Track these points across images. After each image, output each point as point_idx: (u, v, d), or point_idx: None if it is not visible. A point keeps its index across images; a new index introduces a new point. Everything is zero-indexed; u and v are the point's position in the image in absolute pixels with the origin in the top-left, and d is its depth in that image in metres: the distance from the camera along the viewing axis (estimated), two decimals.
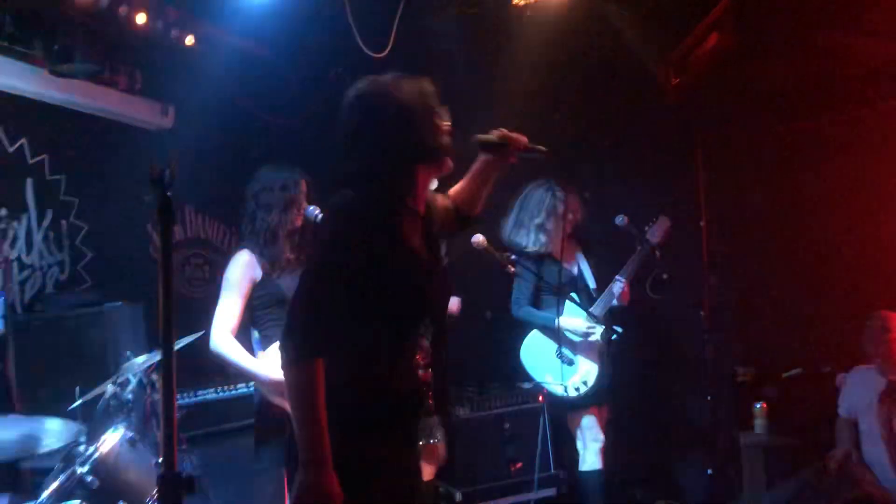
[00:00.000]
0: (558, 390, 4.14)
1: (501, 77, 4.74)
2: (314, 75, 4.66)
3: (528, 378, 4.33)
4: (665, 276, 4.20)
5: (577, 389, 4.10)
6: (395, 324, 2.02)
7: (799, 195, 4.88)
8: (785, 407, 4.58)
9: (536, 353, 4.26)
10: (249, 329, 3.40)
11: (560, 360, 4.14)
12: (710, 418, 4.62)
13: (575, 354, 4.17)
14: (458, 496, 4.28)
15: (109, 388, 2.97)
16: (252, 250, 3.31)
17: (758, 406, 4.57)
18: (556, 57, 4.55)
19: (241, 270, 3.28)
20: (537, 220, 4.25)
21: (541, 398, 4.61)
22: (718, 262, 4.99)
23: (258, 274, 3.26)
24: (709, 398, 4.56)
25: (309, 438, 1.84)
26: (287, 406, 1.96)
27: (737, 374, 4.76)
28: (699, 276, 4.96)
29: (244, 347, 3.21)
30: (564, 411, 4.30)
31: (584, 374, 4.12)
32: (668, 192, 5.09)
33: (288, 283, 3.22)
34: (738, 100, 4.89)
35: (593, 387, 4.11)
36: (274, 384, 3.08)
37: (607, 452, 4.23)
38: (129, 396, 3.06)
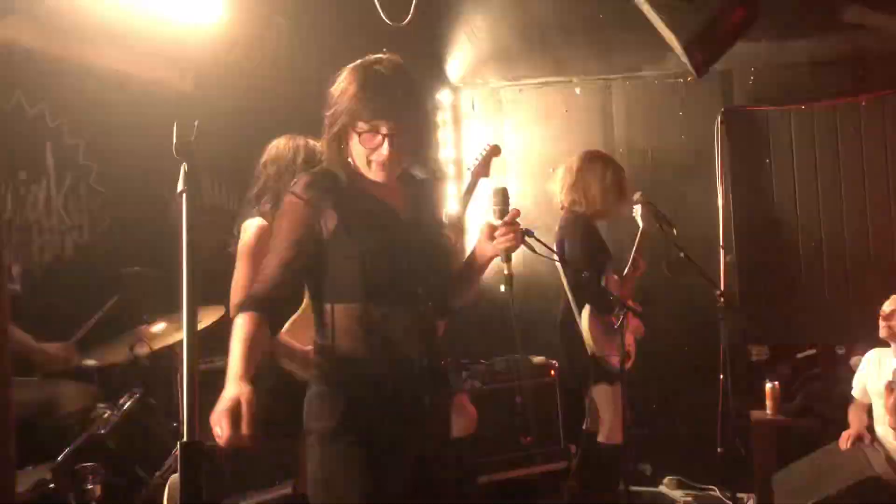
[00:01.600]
0: (615, 364, 4.04)
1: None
2: (332, 46, 4.63)
3: (580, 351, 4.14)
4: (681, 255, 4.20)
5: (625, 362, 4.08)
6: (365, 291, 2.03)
7: (818, 175, 4.88)
8: (798, 387, 4.58)
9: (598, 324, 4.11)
10: None
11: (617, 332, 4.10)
12: (722, 396, 4.62)
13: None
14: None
15: (127, 353, 3.00)
16: (266, 218, 3.26)
17: (770, 385, 4.57)
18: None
19: (257, 238, 3.23)
20: None
21: (552, 372, 4.64)
22: (734, 240, 4.99)
23: None
24: (721, 376, 4.56)
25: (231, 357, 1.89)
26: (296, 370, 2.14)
27: (750, 353, 4.75)
28: (715, 255, 4.96)
29: None
30: (587, 383, 4.22)
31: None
32: (686, 172, 5.11)
33: None
34: (758, 77, 4.89)
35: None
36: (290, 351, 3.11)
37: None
38: (147, 362, 3.09)
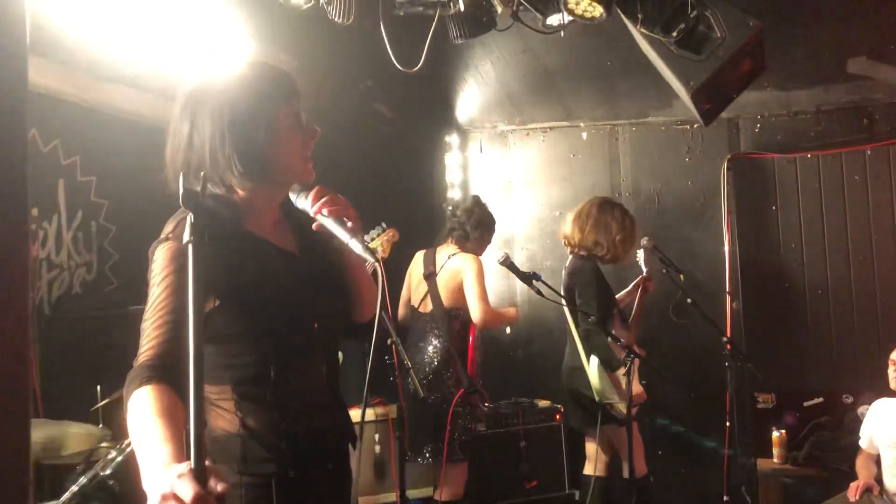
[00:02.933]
0: (622, 408, 4.05)
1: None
2: (343, 88, 4.70)
3: (588, 394, 4.16)
4: (688, 301, 4.20)
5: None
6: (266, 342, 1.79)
7: (824, 222, 4.91)
8: (805, 435, 4.54)
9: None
10: None
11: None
12: (728, 444, 4.59)
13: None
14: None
15: None
16: None
17: (777, 434, 4.54)
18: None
19: None
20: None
21: (558, 417, 4.61)
22: (740, 287, 5.00)
23: None
24: (728, 423, 4.54)
25: (143, 448, 1.48)
26: None
27: (757, 401, 4.73)
28: (722, 301, 4.97)
29: None
30: (590, 429, 4.26)
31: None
32: (692, 217, 5.15)
33: None
34: (764, 124, 4.94)
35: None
36: None
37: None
38: None
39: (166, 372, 1.61)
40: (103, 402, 3.06)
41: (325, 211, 1.81)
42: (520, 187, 5.68)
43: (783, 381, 4.84)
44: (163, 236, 1.82)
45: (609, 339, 3.89)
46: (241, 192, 1.86)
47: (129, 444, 2.82)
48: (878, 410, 4.08)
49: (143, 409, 1.54)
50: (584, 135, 5.51)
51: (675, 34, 3.11)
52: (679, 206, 5.28)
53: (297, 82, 1.89)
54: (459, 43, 3.69)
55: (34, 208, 3.82)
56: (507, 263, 3.75)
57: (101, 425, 2.98)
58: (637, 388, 4.01)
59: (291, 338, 1.82)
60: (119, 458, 2.78)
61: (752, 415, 4.76)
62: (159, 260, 1.78)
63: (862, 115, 4.90)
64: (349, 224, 1.79)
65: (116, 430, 2.97)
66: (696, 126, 5.17)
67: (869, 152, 4.86)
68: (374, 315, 1.89)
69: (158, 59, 3.87)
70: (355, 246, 1.75)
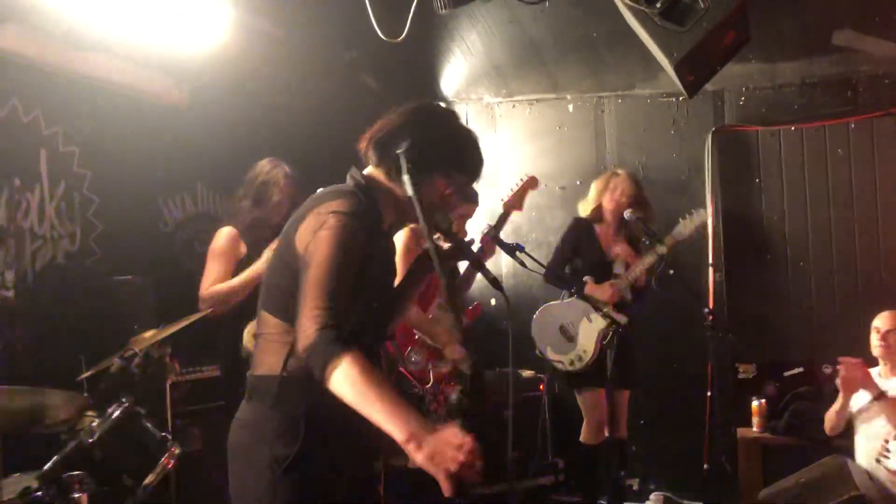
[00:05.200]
0: (558, 363, 4.36)
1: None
2: (328, 58, 4.67)
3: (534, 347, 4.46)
4: (671, 272, 4.23)
5: (573, 364, 4.32)
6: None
7: (807, 195, 4.95)
8: (785, 405, 4.61)
9: (543, 325, 4.45)
10: None
11: (562, 334, 4.37)
12: (709, 413, 4.66)
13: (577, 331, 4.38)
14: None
15: (116, 361, 3.01)
16: (238, 229, 3.76)
17: (757, 403, 4.60)
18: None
19: (228, 242, 3.75)
20: None
21: (541, 387, 4.66)
22: (723, 259, 5.04)
23: (242, 251, 3.56)
24: (709, 393, 4.60)
25: (383, 408, 1.70)
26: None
27: (738, 371, 4.79)
28: (704, 273, 5.01)
29: None
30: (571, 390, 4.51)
31: (581, 351, 4.30)
32: (676, 190, 5.17)
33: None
34: (749, 97, 4.97)
35: (594, 367, 4.26)
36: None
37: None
38: (136, 370, 3.10)
39: (351, 337, 1.78)
40: (88, 373, 3.07)
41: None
42: (506, 159, 5.67)
43: (764, 351, 4.89)
44: (341, 209, 1.91)
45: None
46: (388, 196, 2.08)
47: (110, 415, 2.84)
48: None
49: (367, 371, 1.72)
50: (571, 107, 5.51)
51: (658, 5, 3.10)
52: (664, 178, 5.29)
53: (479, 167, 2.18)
54: (444, 13, 3.67)
55: (16, 179, 3.80)
56: (492, 235, 3.77)
57: (85, 394, 2.99)
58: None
59: (368, 317, 1.99)
60: (103, 427, 2.80)
61: (732, 385, 4.81)
62: (344, 234, 1.88)
63: (846, 88, 4.90)
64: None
65: (100, 398, 2.99)
66: (681, 98, 5.17)
67: (853, 125, 4.87)
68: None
69: (139, 27, 3.83)
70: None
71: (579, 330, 4.36)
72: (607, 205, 4.48)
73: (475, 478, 1.62)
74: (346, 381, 1.71)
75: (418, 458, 1.64)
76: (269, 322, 1.99)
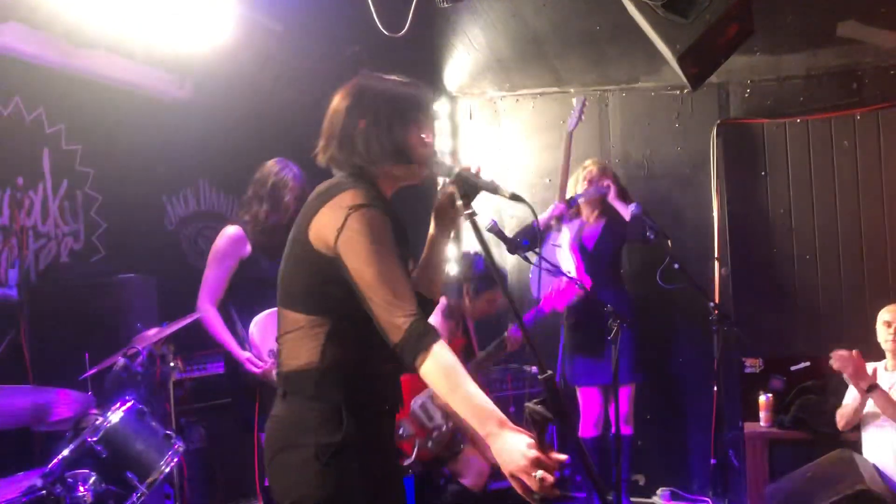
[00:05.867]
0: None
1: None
2: (331, 53, 4.66)
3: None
4: (676, 266, 4.22)
5: None
6: None
7: (813, 187, 4.93)
8: (792, 399, 4.59)
9: None
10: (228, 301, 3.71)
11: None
12: (715, 408, 4.64)
13: None
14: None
15: (120, 359, 3.01)
16: (245, 230, 3.67)
17: (764, 397, 4.58)
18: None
19: (231, 245, 3.65)
20: None
21: None
22: (729, 252, 5.02)
23: (246, 251, 3.53)
24: (715, 388, 4.58)
25: (473, 402, 1.78)
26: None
27: (744, 365, 4.77)
28: (710, 266, 4.99)
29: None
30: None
31: None
32: (681, 183, 5.16)
33: (269, 266, 3.49)
34: (754, 89, 4.94)
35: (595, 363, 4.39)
36: (243, 359, 3.52)
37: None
38: (139, 368, 3.10)
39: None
40: (92, 371, 3.06)
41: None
42: (510, 154, 5.65)
43: (770, 345, 4.87)
44: (360, 202, 1.91)
45: None
46: (380, 174, 2.07)
47: (114, 412, 2.84)
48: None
49: (456, 362, 1.80)
50: (574, 101, 5.46)
51: None
52: (668, 171, 5.26)
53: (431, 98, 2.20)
54: (446, 7, 3.66)
55: (19, 177, 3.80)
56: (496, 231, 3.76)
57: (89, 392, 2.99)
58: None
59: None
60: (107, 425, 2.80)
61: (739, 379, 4.79)
62: (373, 225, 1.89)
63: (851, 80, 4.87)
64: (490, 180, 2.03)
65: (104, 397, 2.99)
66: (685, 91, 5.14)
67: (858, 117, 4.84)
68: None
69: (141, 24, 3.83)
70: (504, 192, 2.00)
71: None
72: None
73: (542, 489, 1.68)
74: (438, 372, 1.78)
75: (494, 452, 1.74)
76: (294, 318, 2.00)
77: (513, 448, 1.70)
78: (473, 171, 2.03)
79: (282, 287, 2.06)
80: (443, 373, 1.78)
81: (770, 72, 4.97)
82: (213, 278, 3.64)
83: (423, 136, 2.05)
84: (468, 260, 4.13)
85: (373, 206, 1.91)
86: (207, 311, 3.57)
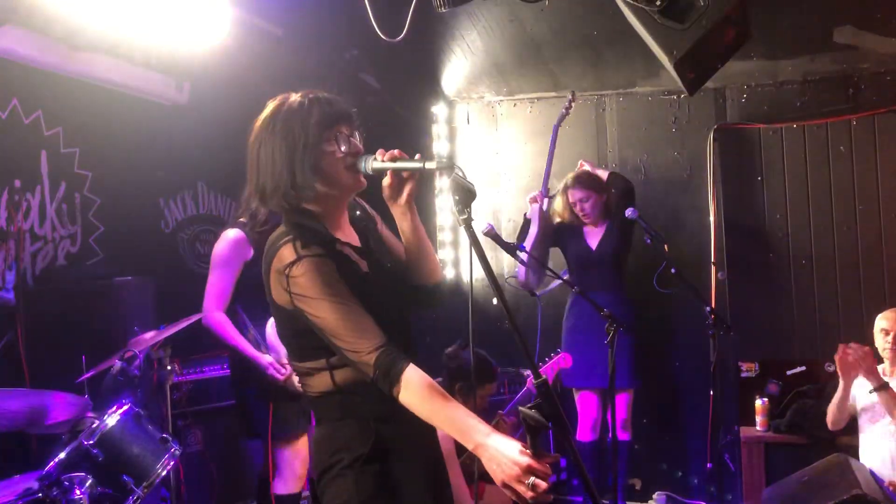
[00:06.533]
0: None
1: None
2: (328, 58, 4.66)
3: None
4: (673, 271, 4.23)
5: None
6: None
7: (809, 192, 4.95)
8: (787, 403, 4.60)
9: None
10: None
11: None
12: (712, 412, 4.65)
13: None
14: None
15: (116, 362, 3.01)
16: (246, 233, 3.56)
17: (760, 402, 4.59)
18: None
19: (233, 249, 3.54)
20: None
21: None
22: (725, 257, 5.03)
23: (249, 254, 3.48)
24: (711, 392, 4.58)
25: (452, 421, 1.82)
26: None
27: (740, 370, 4.78)
28: (707, 271, 5.00)
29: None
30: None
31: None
32: (678, 188, 5.17)
33: None
34: (750, 94, 4.97)
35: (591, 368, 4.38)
36: (266, 364, 3.43)
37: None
38: (136, 371, 3.10)
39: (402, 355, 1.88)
40: (89, 374, 3.06)
41: (385, 157, 1.97)
42: (507, 158, 5.67)
43: (767, 350, 4.88)
44: (293, 258, 1.92)
45: None
46: (315, 206, 2.03)
47: (111, 415, 2.84)
48: (861, 379, 4.12)
49: (430, 383, 1.84)
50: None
51: (658, 2, 3.08)
52: (665, 176, 5.28)
53: (348, 107, 2.07)
54: (444, 12, 3.66)
55: (17, 180, 3.80)
56: (492, 235, 3.77)
57: (86, 395, 2.99)
58: None
59: (379, 320, 1.95)
60: (103, 428, 2.80)
61: (735, 384, 4.80)
62: (313, 277, 1.91)
63: (848, 85, 4.89)
64: (416, 157, 1.95)
65: (100, 400, 2.99)
66: (682, 96, 5.16)
67: (854, 122, 4.86)
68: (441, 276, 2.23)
69: (139, 27, 3.83)
70: (430, 164, 1.91)
71: None
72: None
73: (536, 495, 1.69)
74: (414, 399, 1.83)
75: (485, 464, 1.76)
76: (300, 367, 2.06)
77: (502, 457, 1.72)
78: (380, 158, 1.97)
79: (280, 337, 2.12)
80: (419, 399, 1.83)
81: (767, 77, 5.00)
82: (220, 283, 3.53)
83: (337, 148, 1.99)
84: (454, 359, 3.85)
85: (305, 257, 1.91)
86: (216, 316, 3.48)
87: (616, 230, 4.62)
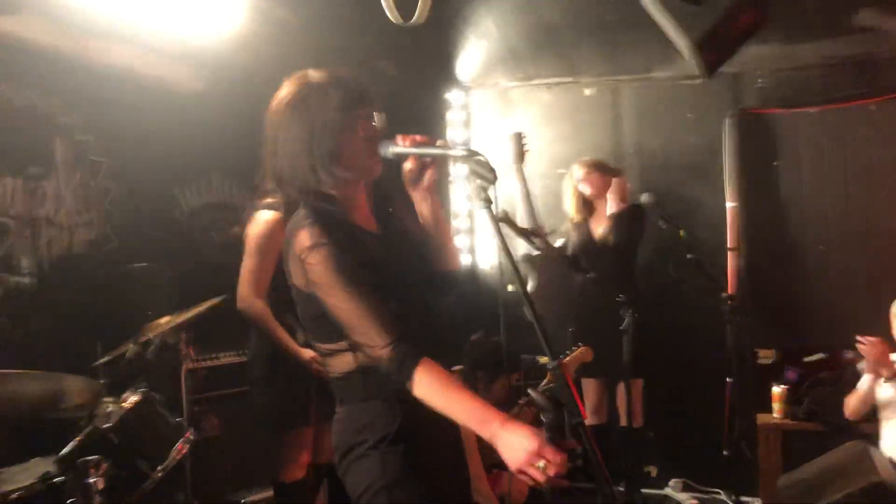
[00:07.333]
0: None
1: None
2: (344, 44, 4.65)
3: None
4: (689, 257, 4.19)
5: None
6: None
7: (827, 178, 4.88)
8: (805, 391, 4.56)
9: None
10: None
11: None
12: (728, 399, 4.61)
13: None
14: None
15: (131, 347, 3.02)
16: (281, 213, 3.29)
17: (777, 389, 4.55)
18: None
19: (270, 231, 3.33)
20: None
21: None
22: (742, 243, 4.99)
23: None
24: (728, 379, 4.55)
25: (465, 412, 1.83)
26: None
27: (757, 357, 4.74)
28: (724, 257, 4.96)
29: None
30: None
31: None
32: (695, 174, 5.12)
33: None
34: (769, 79, 4.90)
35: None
36: (307, 359, 3.26)
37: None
38: (151, 356, 3.12)
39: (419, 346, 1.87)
40: (104, 359, 3.08)
41: (407, 142, 1.97)
42: None
43: (784, 337, 4.84)
44: (310, 244, 1.90)
45: None
46: (335, 189, 2.00)
47: (126, 400, 2.86)
48: None
49: (444, 376, 1.85)
50: (588, 91, 5.45)
51: None
52: (683, 162, 5.23)
53: (368, 88, 2.04)
54: None
55: (33, 167, 3.82)
56: (508, 220, 3.75)
57: (101, 380, 3.01)
58: None
59: (399, 307, 1.94)
60: (119, 412, 2.82)
61: (752, 370, 4.77)
62: (324, 268, 1.89)
63: (868, 69, 4.82)
64: (439, 142, 1.99)
65: (116, 384, 3.01)
66: (699, 81, 5.10)
67: (874, 107, 4.79)
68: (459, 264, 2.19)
69: (155, 15, 3.84)
70: (453, 151, 1.93)
71: None
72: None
73: (548, 479, 1.69)
74: (429, 394, 1.83)
75: (500, 453, 1.75)
76: (320, 348, 2.05)
77: (514, 443, 1.72)
78: (401, 143, 1.97)
79: (302, 321, 2.09)
80: (432, 393, 1.83)
81: (786, 61, 4.93)
82: (258, 269, 3.33)
83: (358, 132, 1.97)
84: (478, 348, 3.86)
85: (322, 245, 1.89)
86: (255, 304, 3.30)
87: (625, 219, 4.57)
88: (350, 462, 1.99)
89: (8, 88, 3.71)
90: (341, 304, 1.87)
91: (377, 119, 2.01)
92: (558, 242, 4.61)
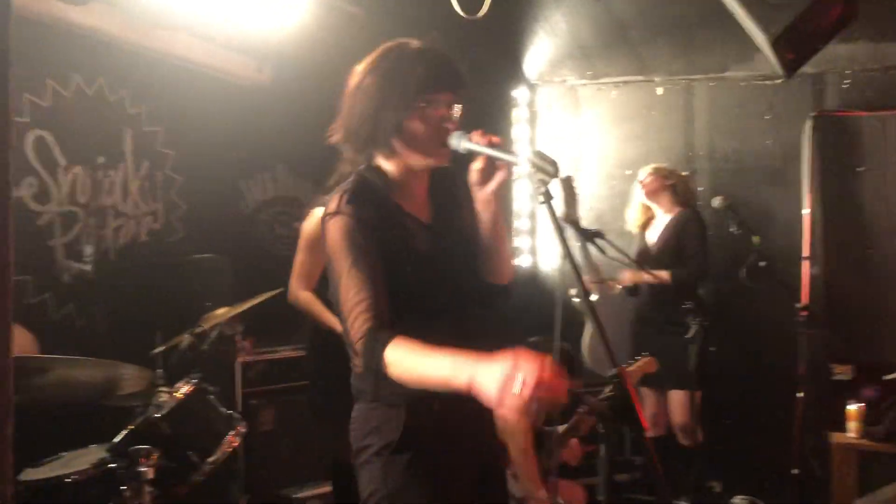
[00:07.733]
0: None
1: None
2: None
3: None
4: (762, 264, 4.02)
5: None
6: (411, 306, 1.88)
7: None
8: (884, 410, 4.32)
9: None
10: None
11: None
12: (800, 415, 4.41)
13: None
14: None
15: (187, 337, 3.03)
16: None
17: (853, 407, 4.32)
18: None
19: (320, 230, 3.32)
20: None
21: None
22: (821, 252, 4.77)
23: None
24: (800, 394, 4.34)
25: (437, 372, 1.68)
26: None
27: (833, 372, 4.52)
28: (798, 265, 4.75)
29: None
30: None
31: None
32: (771, 178, 4.91)
33: None
34: (853, 80, 4.67)
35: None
36: None
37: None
38: (206, 347, 3.12)
39: (394, 330, 1.77)
40: (161, 348, 3.09)
41: (485, 141, 1.86)
42: (589, 144, 5.50)
43: (863, 352, 4.60)
44: (334, 209, 1.87)
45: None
46: (393, 166, 1.96)
47: (179, 391, 2.86)
48: None
49: (411, 347, 1.71)
50: (659, 90, 5.29)
51: None
52: (758, 166, 5.04)
53: (459, 77, 1.95)
54: None
55: (101, 157, 3.88)
56: (571, 220, 3.65)
57: (158, 370, 3.02)
58: None
59: (426, 303, 1.90)
60: (172, 402, 2.82)
61: (826, 386, 4.54)
62: (336, 236, 1.85)
63: None
64: (513, 148, 1.88)
65: (171, 374, 3.01)
66: (778, 81, 4.89)
67: None
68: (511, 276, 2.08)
69: (221, 7, 3.85)
70: (529, 162, 1.75)
71: None
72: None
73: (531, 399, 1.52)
74: (398, 371, 1.73)
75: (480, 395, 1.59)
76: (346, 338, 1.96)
77: (488, 376, 1.56)
78: (476, 139, 1.84)
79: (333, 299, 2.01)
80: (402, 369, 1.72)
81: (872, 61, 4.70)
82: (307, 264, 3.43)
83: (429, 113, 1.88)
84: (541, 350, 3.70)
85: (341, 213, 1.83)
86: (300, 295, 3.39)
87: (678, 224, 4.42)
88: (359, 465, 1.95)
89: (79, 78, 3.78)
90: (339, 278, 1.82)
91: (456, 110, 1.92)
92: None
